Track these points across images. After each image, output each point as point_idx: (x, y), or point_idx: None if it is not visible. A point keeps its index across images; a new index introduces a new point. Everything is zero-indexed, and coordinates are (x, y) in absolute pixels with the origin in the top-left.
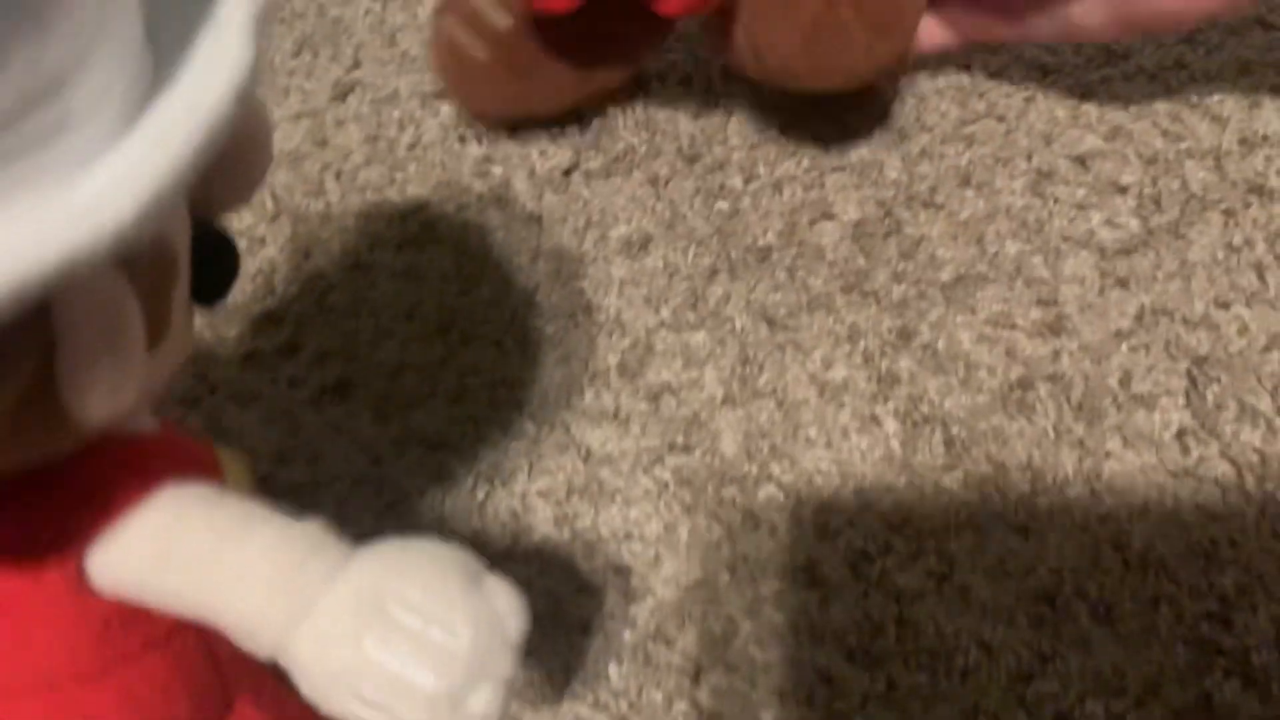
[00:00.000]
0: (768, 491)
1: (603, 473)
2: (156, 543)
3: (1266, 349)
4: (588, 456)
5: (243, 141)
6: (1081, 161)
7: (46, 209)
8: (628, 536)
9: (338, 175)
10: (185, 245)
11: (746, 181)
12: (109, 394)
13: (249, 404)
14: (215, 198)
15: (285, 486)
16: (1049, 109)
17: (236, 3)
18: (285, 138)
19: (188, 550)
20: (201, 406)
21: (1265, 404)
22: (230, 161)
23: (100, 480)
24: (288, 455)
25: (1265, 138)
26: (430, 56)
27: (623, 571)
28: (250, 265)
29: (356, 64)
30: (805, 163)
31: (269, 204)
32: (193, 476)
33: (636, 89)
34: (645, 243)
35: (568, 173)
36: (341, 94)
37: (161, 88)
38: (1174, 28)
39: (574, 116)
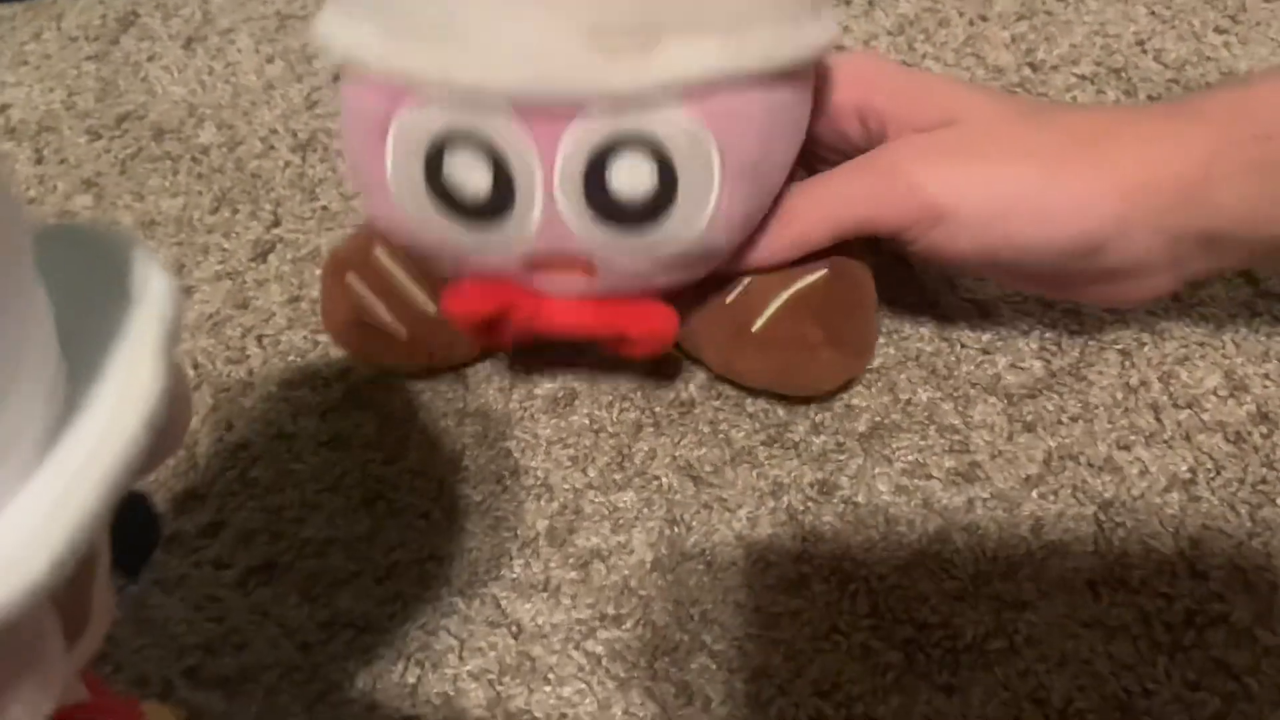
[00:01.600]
0: (700, 662)
1: (535, 649)
2: None
3: (1166, 489)
4: (519, 633)
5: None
6: (985, 305)
7: None
8: (562, 717)
9: (260, 340)
10: (106, 528)
11: None
12: (27, 713)
13: (174, 589)
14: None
15: (214, 679)
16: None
17: (148, 322)
18: (205, 300)
19: None
20: (125, 594)
21: (1168, 545)
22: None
23: None
24: (215, 645)
25: None
26: (328, 314)
27: None
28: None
29: (276, 221)
30: None
31: (190, 373)
32: None
33: None
34: (571, 399)
35: None
36: (262, 253)
37: (75, 412)
38: (1038, 266)
39: None
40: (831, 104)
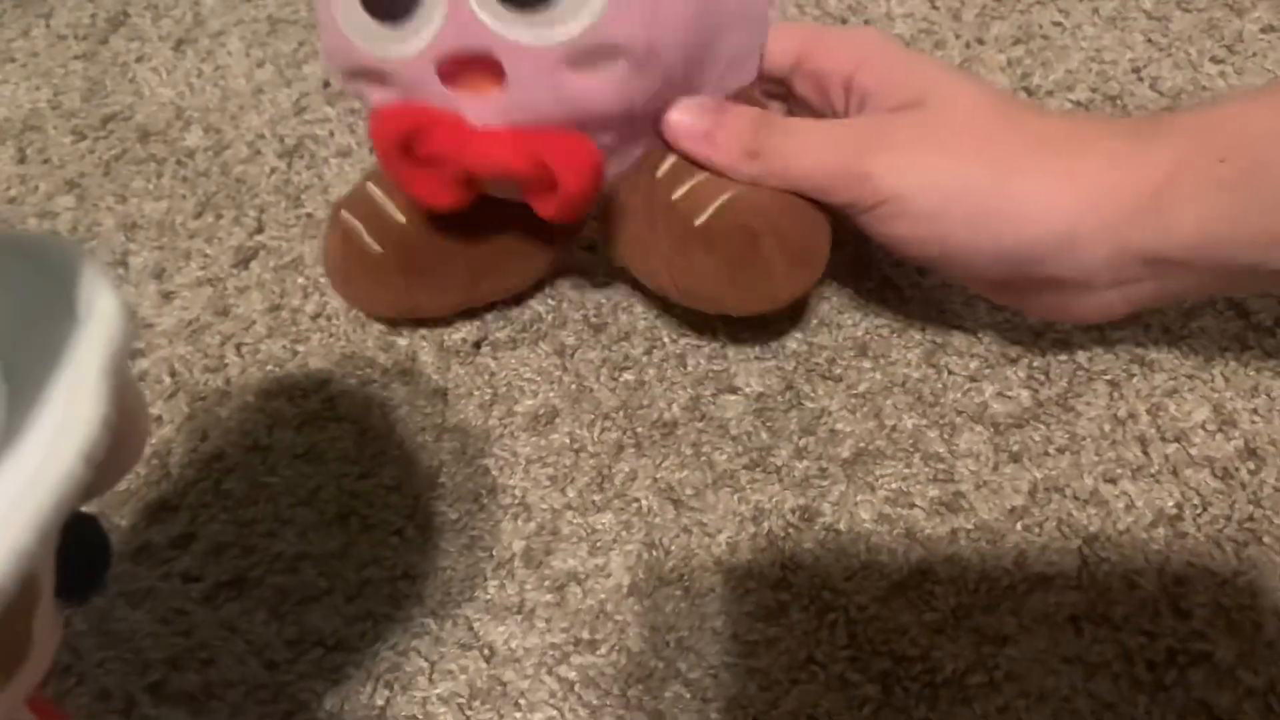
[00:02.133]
0: (674, 690)
1: (507, 674)
2: None
3: (1152, 525)
4: (490, 656)
5: (111, 447)
6: (973, 332)
7: None
8: None
9: (239, 348)
10: (49, 556)
11: (649, 351)
12: None
13: (141, 602)
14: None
15: (179, 695)
16: (940, 279)
17: (94, 344)
18: (185, 307)
19: None
20: (90, 606)
21: (1152, 582)
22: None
23: None
24: (181, 660)
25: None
26: (323, 249)
27: None
28: (145, 448)
29: (260, 227)
30: (708, 333)
31: (167, 380)
32: None
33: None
34: (552, 417)
35: (477, 345)
36: (244, 260)
37: (15, 434)
38: (976, 267)
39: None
40: (824, 73)
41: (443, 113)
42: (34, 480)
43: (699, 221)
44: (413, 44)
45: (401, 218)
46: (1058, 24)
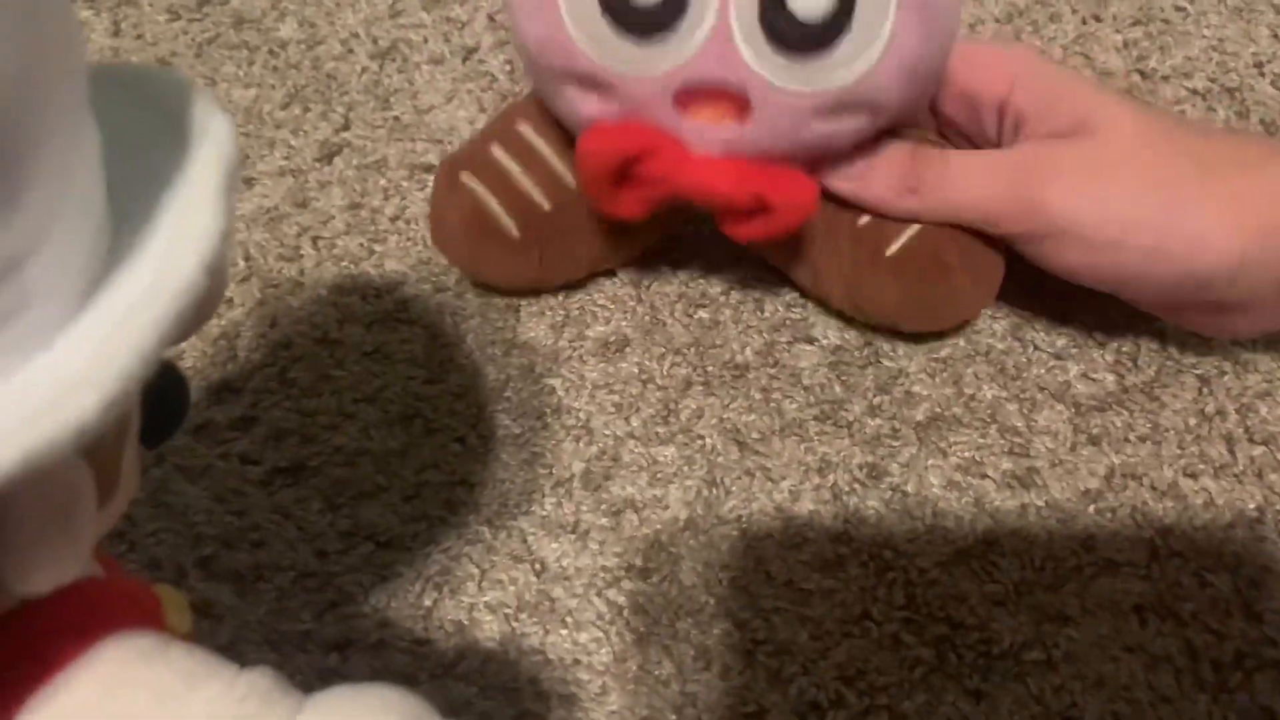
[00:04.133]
0: (723, 628)
1: (556, 590)
2: (96, 704)
3: (1230, 526)
4: (542, 571)
5: (221, 268)
6: (1063, 310)
7: (3, 407)
8: (575, 663)
9: (315, 241)
10: (137, 397)
11: (727, 291)
12: (54, 568)
13: (198, 478)
14: None
15: (228, 572)
16: None
17: (209, 162)
18: (265, 194)
19: (128, 712)
20: (147, 476)
21: (1225, 583)
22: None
23: (36, 637)
24: (232, 539)
25: None
26: (442, 218)
27: (567, 701)
28: (213, 328)
29: (346, 124)
30: (788, 282)
31: (241, 264)
32: (134, 626)
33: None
34: (622, 346)
35: None
36: (328, 155)
37: (126, 254)
38: (1147, 292)
39: None
40: (976, 94)
41: (665, 136)
42: (154, 285)
43: (890, 251)
44: (658, 64)
45: (548, 205)
46: (1180, 9)
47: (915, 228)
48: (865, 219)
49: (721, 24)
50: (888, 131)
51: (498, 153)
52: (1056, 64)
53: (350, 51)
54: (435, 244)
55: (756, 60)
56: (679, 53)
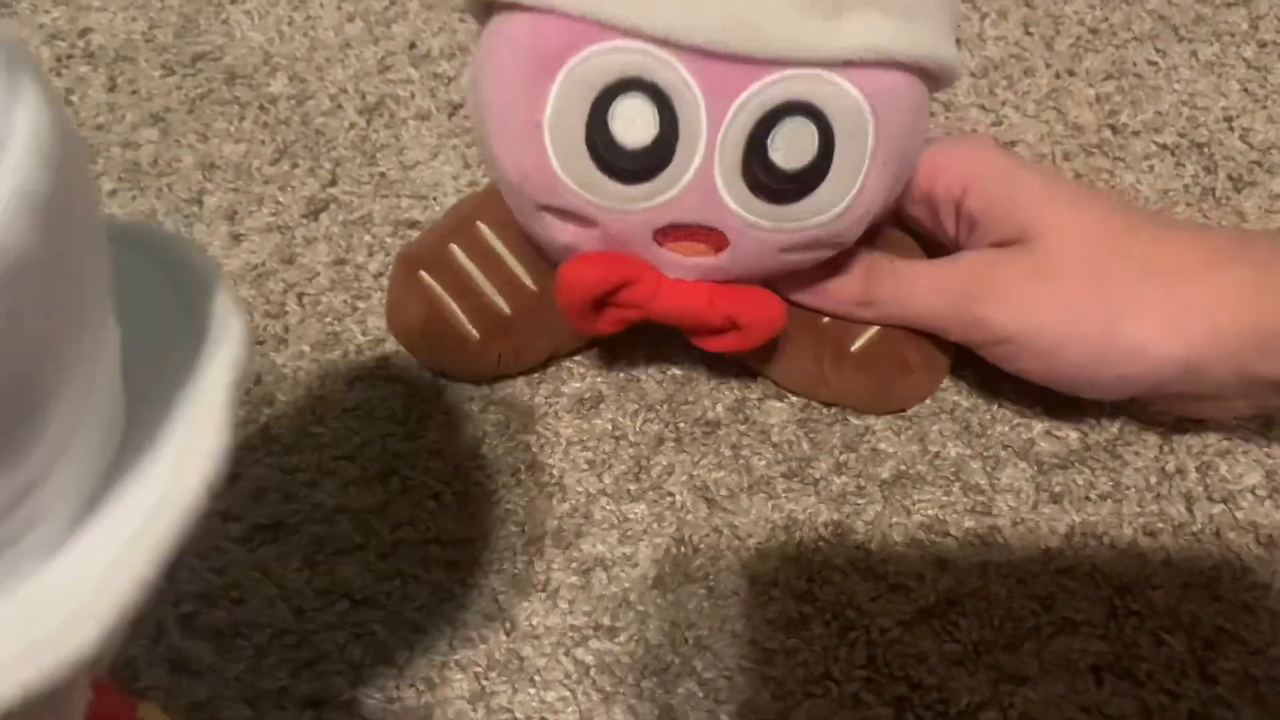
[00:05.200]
0: (687, 687)
1: (525, 649)
2: None
3: (1187, 585)
4: (511, 630)
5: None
6: None
7: (5, 640)
8: None
9: (300, 298)
10: None
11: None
12: None
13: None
14: None
15: (208, 629)
16: None
17: (222, 371)
18: (253, 251)
19: None
20: None
21: (1181, 643)
22: None
23: None
24: (213, 596)
25: None
26: (396, 312)
27: None
28: None
29: (334, 180)
30: None
31: None
32: None
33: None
34: (597, 402)
35: None
36: (315, 211)
37: (133, 459)
38: (1099, 392)
39: None
40: (934, 197)
41: (644, 265)
42: (158, 509)
43: (855, 348)
44: (640, 203)
45: (507, 309)
46: (1153, 63)
47: (875, 328)
48: (827, 319)
49: (705, 168)
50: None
51: (457, 253)
52: (1013, 161)
53: (339, 107)
54: (392, 333)
55: (735, 203)
56: (664, 195)
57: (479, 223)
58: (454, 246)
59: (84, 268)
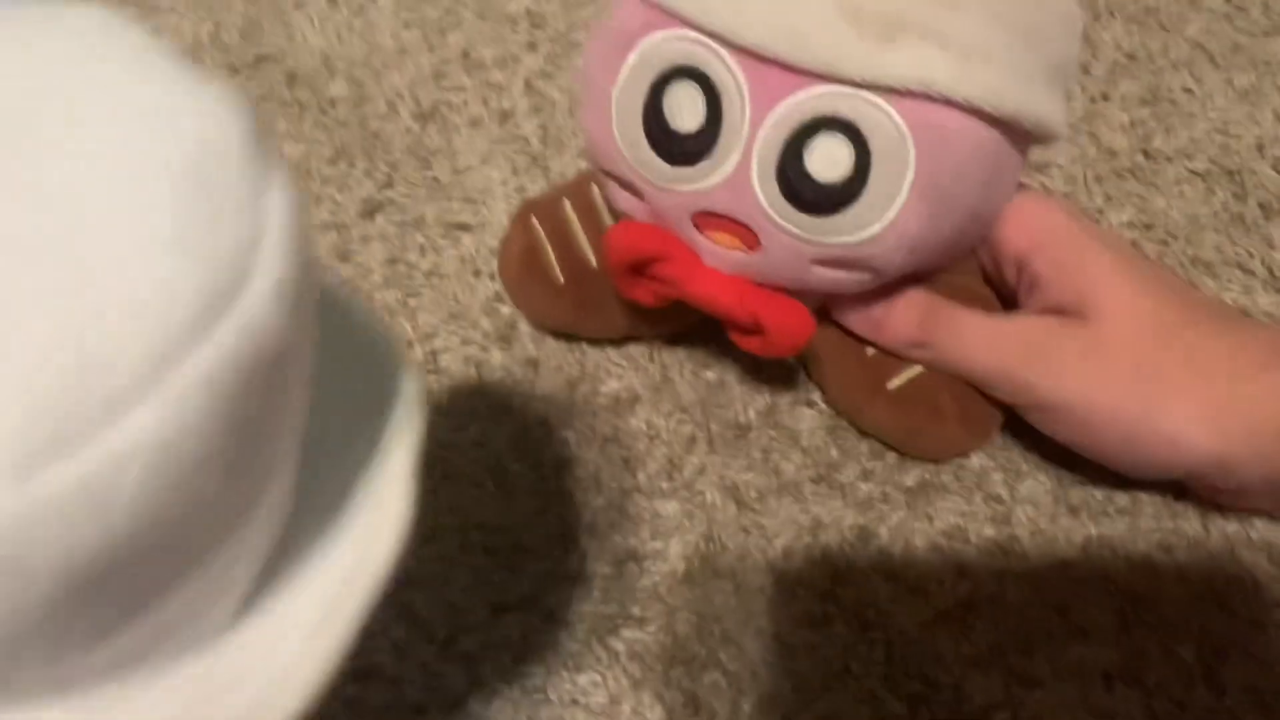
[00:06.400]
0: (712, 677)
1: (560, 634)
2: None
3: (1198, 599)
4: (549, 616)
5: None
6: None
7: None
8: (574, 703)
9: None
10: None
11: (734, 353)
12: None
13: None
14: None
15: None
16: None
17: (403, 438)
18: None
19: None
20: None
21: (1190, 654)
22: None
23: None
24: None
25: None
26: (507, 247)
27: None
28: None
29: (389, 183)
30: None
31: None
32: None
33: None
34: (633, 402)
35: None
36: (370, 211)
37: (313, 536)
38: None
39: None
40: (1000, 250)
41: (682, 245)
42: (351, 578)
43: (892, 385)
44: (681, 185)
45: (594, 260)
46: (1188, 90)
47: (917, 368)
48: (873, 351)
49: (743, 164)
50: (914, 277)
51: (566, 205)
52: (1086, 230)
53: (395, 112)
54: (498, 268)
55: (768, 203)
56: (702, 181)
57: (592, 186)
58: (565, 200)
59: (310, 346)
